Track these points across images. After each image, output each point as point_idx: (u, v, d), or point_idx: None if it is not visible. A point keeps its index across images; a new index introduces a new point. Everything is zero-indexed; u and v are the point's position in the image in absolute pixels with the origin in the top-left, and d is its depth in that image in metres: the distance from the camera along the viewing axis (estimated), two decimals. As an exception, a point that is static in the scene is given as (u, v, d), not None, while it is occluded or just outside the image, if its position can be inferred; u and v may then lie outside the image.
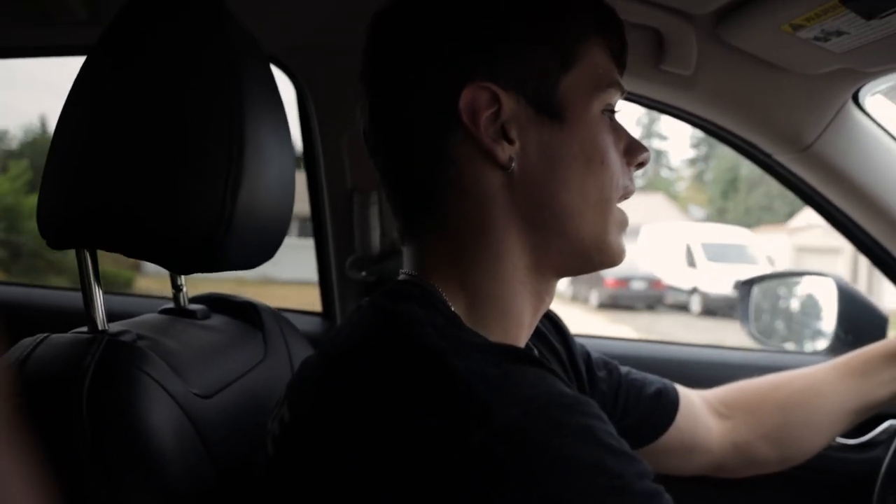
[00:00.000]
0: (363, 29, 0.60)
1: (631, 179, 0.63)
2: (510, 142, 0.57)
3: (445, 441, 0.44)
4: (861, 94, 0.95)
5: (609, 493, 0.44)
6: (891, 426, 1.06)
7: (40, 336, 0.59)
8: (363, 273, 1.13)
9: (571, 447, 0.44)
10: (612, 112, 0.61)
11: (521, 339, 0.62)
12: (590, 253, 0.60)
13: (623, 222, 0.62)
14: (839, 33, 0.76)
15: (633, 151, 0.62)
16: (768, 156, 1.05)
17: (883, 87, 0.93)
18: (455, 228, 0.58)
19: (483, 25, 0.57)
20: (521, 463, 0.43)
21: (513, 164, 0.57)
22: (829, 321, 1.17)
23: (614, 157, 0.60)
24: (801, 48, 0.82)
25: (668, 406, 0.85)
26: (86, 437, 0.52)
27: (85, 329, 0.62)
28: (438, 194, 0.58)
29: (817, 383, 0.91)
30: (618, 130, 0.62)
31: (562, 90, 0.57)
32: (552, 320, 0.83)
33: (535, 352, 0.69)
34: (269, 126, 0.66)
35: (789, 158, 1.03)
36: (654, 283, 13.98)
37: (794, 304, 1.30)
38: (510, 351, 0.52)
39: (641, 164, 0.63)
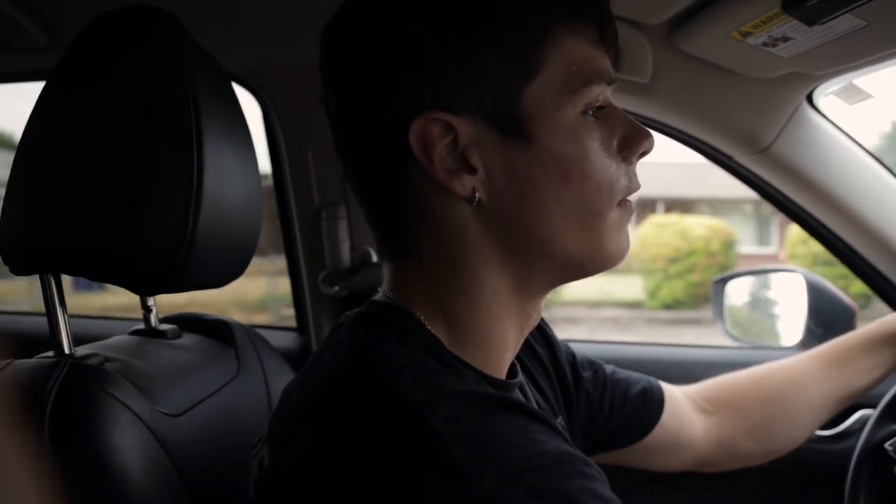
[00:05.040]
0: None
1: (631, 177, 0.55)
2: (472, 170, 0.51)
3: None
4: (815, 96, 0.97)
5: None
6: (863, 416, 1.08)
7: (3, 362, 0.59)
8: (335, 287, 1.14)
9: None
10: (599, 107, 0.53)
11: (505, 362, 0.58)
12: (582, 265, 0.55)
13: (623, 221, 0.55)
14: (786, 39, 0.78)
15: (632, 143, 0.54)
16: (729, 157, 1.07)
17: (835, 88, 0.96)
18: (428, 258, 0.54)
19: (423, 49, 0.50)
20: None
21: (476, 195, 0.51)
22: (800, 315, 1.19)
23: (600, 165, 0.52)
24: (751, 53, 0.84)
25: (653, 404, 0.84)
26: (48, 462, 0.52)
27: (50, 353, 0.62)
28: (409, 223, 0.54)
29: (798, 375, 0.91)
30: (611, 122, 0.54)
31: (525, 103, 0.50)
32: (537, 325, 0.82)
33: (518, 369, 0.63)
34: (231, 145, 0.66)
35: (749, 160, 1.05)
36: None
37: (766, 300, 1.32)
38: (491, 399, 0.48)
39: (644, 153, 0.55)
